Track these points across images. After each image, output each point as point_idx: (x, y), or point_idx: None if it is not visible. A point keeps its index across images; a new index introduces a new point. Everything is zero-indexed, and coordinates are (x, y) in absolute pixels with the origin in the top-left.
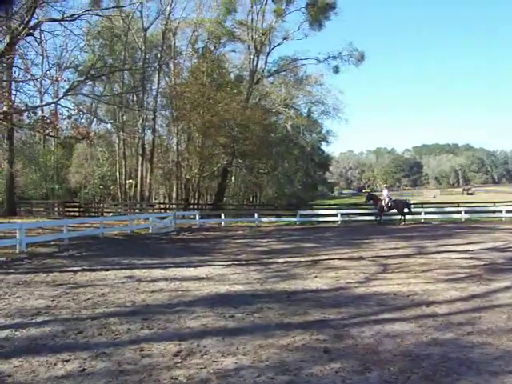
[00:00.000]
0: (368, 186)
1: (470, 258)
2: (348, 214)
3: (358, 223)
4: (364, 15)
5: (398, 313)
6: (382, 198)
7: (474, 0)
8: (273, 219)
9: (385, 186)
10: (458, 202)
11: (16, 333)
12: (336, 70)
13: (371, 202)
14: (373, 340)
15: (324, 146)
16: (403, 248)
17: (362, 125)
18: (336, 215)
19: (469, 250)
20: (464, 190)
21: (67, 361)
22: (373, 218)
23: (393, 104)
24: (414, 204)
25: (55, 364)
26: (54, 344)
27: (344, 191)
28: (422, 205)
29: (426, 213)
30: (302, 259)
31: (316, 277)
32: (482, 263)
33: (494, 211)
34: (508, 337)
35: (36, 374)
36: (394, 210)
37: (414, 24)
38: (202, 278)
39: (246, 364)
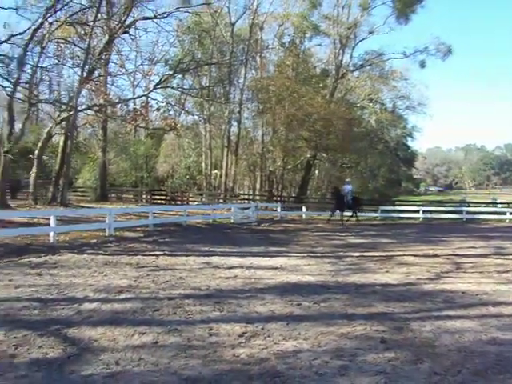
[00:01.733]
0: (456, 184)
1: None
2: (430, 211)
3: (440, 221)
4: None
5: (462, 310)
6: (343, 194)
7: None
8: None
9: (346, 180)
10: None
11: (102, 306)
12: (422, 64)
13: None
14: (431, 334)
15: (409, 142)
16: (481, 248)
17: (450, 121)
18: (417, 212)
19: None
20: None
21: (143, 333)
22: (456, 216)
23: (484, 100)
24: (500, 203)
25: (133, 335)
26: (133, 318)
27: (431, 188)
28: (508, 204)
29: (511, 213)
30: (377, 254)
31: (387, 272)
32: None
33: None
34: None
35: (116, 342)
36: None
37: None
38: (276, 268)
39: (304, 348)
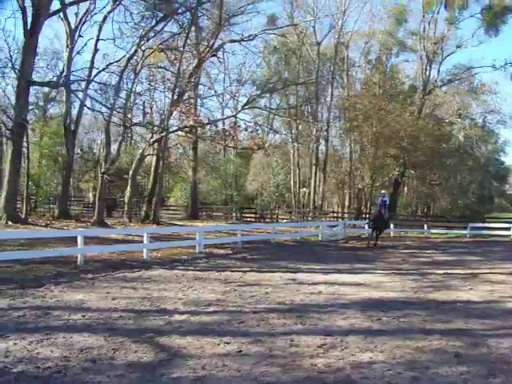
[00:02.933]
0: None
1: None
2: None
3: None
4: None
5: None
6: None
7: None
8: (442, 231)
9: (381, 192)
10: None
11: (191, 318)
12: None
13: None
14: (508, 351)
15: (502, 157)
16: None
17: None
18: (509, 229)
19: None
20: None
21: (228, 343)
22: None
23: None
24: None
25: (218, 344)
26: (220, 329)
27: None
28: None
29: None
30: (462, 271)
31: (471, 289)
32: None
33: None
34: None
35: (203, 350)
36: None
37: None
38: (360, 284)
39: (379, 359)
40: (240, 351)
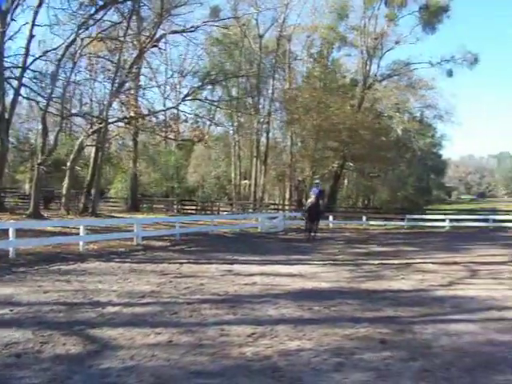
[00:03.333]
0: (489, 192)
1: None
2: (457, 220)
3: (466, 229)
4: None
5: (467, 315)
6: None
7: None
8: (381, 222)
9: (315, 182)
10: None
11: (123, 309)
12: (450, 73)
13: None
14: (431, 336)
15: (439, 151)
16: (502, 255)
17: (484, 128)
18: (444, 220)
19: None
20: None
21: (159, 333)
22: (484, 224)
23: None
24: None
25: (149, 335)
26: (152, 320)
27: (463, 196)
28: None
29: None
30: (396, 262)
31: (402, 278)
32: None
33: None
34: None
35: (133, 341)
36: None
37: None
38: (295, 275)
39: (307, 347)
40: (170, 341)
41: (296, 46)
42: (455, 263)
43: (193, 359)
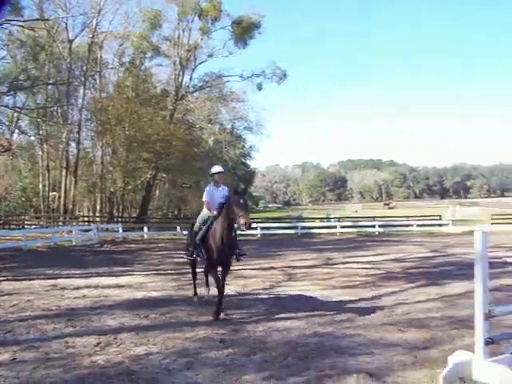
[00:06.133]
0: (294, 200)
1: (371, 268)
2: (267, 228)
3: (277, 236)
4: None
5: (292, 313)
6: None
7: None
8: None
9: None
10: (373, 217)
11: None
12: (259, 87)
13: None
14: (264, 333)
15: (248, 161)
16: (312, 259)
17: (289, 140)
18: (255, 228)
19: (372, 261)
20: (385, 204)
21: None
22: (292, 231)
23: (320, 119)
24: (333, 218)
25: None
26: None
27: (270, 205)
28: (339, 219)
29: (341, 226)
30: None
31: (227, 284)
32: (379, 272)
33: (406, 225)
34: (376, 329)
35: None
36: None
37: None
38: (122, 286)
39: (154, 351)
40: (14, 359)
41: (108, 53)
42: (272, 268)
43: (45, 372)
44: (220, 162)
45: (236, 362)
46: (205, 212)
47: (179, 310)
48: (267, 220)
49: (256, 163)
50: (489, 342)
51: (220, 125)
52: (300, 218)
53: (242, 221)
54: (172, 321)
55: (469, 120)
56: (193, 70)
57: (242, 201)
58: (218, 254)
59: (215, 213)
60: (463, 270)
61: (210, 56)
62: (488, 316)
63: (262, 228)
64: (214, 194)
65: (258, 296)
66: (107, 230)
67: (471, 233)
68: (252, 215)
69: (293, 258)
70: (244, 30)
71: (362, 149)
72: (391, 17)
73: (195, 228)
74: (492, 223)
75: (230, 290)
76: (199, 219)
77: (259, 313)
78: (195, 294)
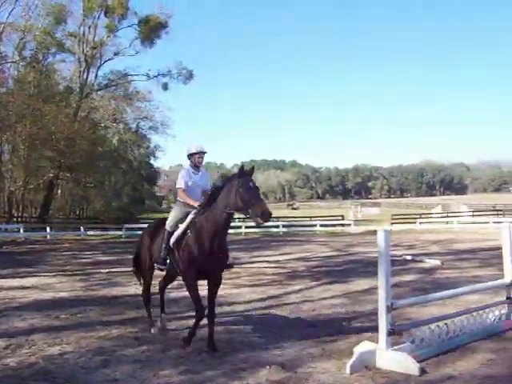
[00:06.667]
0: None
1: (277, 267)
2: None
3: None
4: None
5: None
6: None
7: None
8: (99, 232)
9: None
10: (277, 217)
11: None
12: (165, 87)
13: None
14: (177, 331)
15: (153, 161)
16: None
17: (193, 140)
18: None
19: (278, 260)
20: (289, 205)
21: None
22: None
23: (224, 120)
24: (238, 218)
25: None
26: None
27: (173, 205)
28: (243, 219)
29: (246, 227)
30: (125, 269)
31: (135, 284)
32: (286, 271)
33: (310, 225)
34: (285, 325)
35: None
36: None
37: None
38: (28, 287)
39: (69, 350)
40: None
41: (7, 46)
42: None
43: None
44: (125, 162)
45: (152, 358)
46: (179, 205)
47: (90, 310)
48: None
49: (160, 163)
50: (391, 332)
51: (125, 124)
52: None
53: (259, 210)
54: (84, 321)
55: (367, 123)
56: (98, 68)
57: (251, 184)
58: (204, 261)
59: (196, 204)
60: (366, 268)
61: (116, 54)
62: (390, 309)
63: None
64: (193, 180)
65: (168, 295)
66: (6, 230)
67: (373, 232)
68: (156, 215)
69: None
70: (151, 30)
71: (264, 149)
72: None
73: (168, 227)
74: (392, 223)
75: (138, 289)
76: (173, 214)
77: (171, 311)
78: (152, 325)
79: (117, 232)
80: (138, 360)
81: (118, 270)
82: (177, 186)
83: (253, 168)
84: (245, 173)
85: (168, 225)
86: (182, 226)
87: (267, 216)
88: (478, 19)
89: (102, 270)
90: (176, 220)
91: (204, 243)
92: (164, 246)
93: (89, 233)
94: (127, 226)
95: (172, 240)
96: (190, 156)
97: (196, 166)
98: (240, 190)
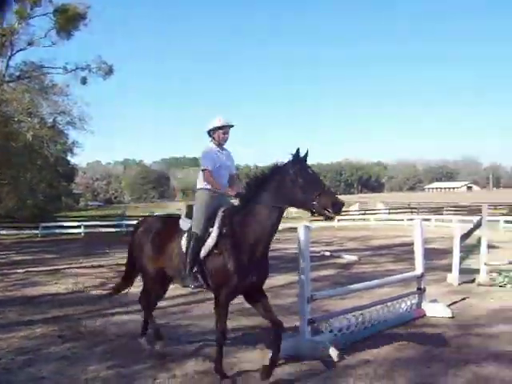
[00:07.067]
0: (115, 198)
1: None
2: (92, 226)
3: (102, 234)
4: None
5: (125, 308)
6: None
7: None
8: (13, 232)
9: None
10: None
11: None
12: (84, 81)
13: None
14: (101, 327)
15: (70, 157)
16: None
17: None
18: (79, 227)
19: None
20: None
21: None
22: (118, 229)
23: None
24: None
25: None
26: None
27: (90, 203)
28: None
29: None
30: (43, 268)
31: (56, 283)
32: None
33: None
34: (208, 319)
35: None
36: None
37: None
38: None
39: None
40: None
41: None
42: (101, 266)
43: None
44: (40, 158)
45: (78, 355)
46: (205, 194)
47: (9, 310)
48: (90, 218)
49: (79, 160)
50: (311, 322)
51: (41, 119)
52: (123, 216)
53: (328, 201)
54: (2, 322)
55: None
56: (9, 58)
57: (310, 170)
58: (249, 272)
59: (233, 192)
60: (285, 264)
61: (29, 44)
62: (310, 300)
63: (85, 226)
64: (220, 159)
65: (91, 293)
66: None
67: (292, 230)
68: (73, 213)
69: (121, 256)
70: (68, 20)
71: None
72: None
73: (197, 229)
74: (311, 220)
75: (60, 288)
76: (200, 209)
77: (94, 309)
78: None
79: (33, 231)
80: (65, 357)
81: (36, 269)
82: (202, 168)
83: (307, 153)
84: (300, 159)
85: (196, 226)
86: (214, 229)
87: (339, 207)
88: None
89: (18, 270)
90: (204, 218)
91: (248, 248)
92: (191, 256)
93: (1, 232)
94: (44, 224)
95: (204, 251)
96: (213, 132)
97: (220, 144)
98: (299, 178)
